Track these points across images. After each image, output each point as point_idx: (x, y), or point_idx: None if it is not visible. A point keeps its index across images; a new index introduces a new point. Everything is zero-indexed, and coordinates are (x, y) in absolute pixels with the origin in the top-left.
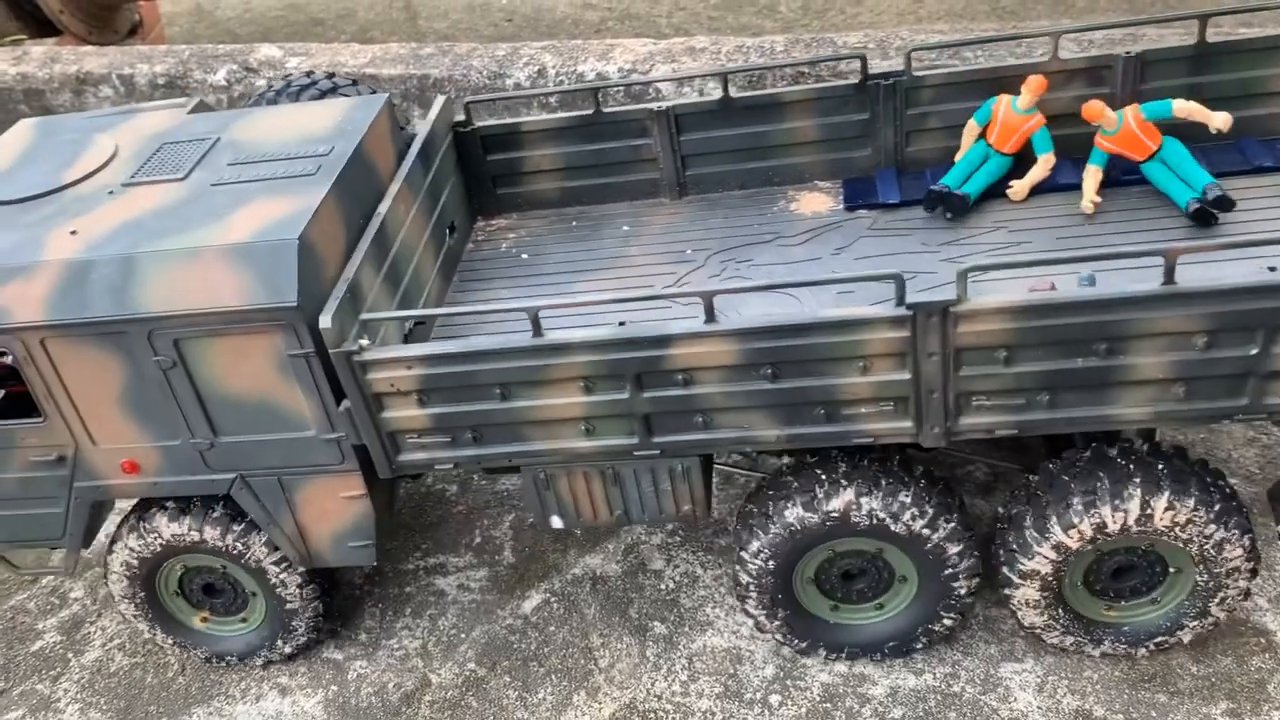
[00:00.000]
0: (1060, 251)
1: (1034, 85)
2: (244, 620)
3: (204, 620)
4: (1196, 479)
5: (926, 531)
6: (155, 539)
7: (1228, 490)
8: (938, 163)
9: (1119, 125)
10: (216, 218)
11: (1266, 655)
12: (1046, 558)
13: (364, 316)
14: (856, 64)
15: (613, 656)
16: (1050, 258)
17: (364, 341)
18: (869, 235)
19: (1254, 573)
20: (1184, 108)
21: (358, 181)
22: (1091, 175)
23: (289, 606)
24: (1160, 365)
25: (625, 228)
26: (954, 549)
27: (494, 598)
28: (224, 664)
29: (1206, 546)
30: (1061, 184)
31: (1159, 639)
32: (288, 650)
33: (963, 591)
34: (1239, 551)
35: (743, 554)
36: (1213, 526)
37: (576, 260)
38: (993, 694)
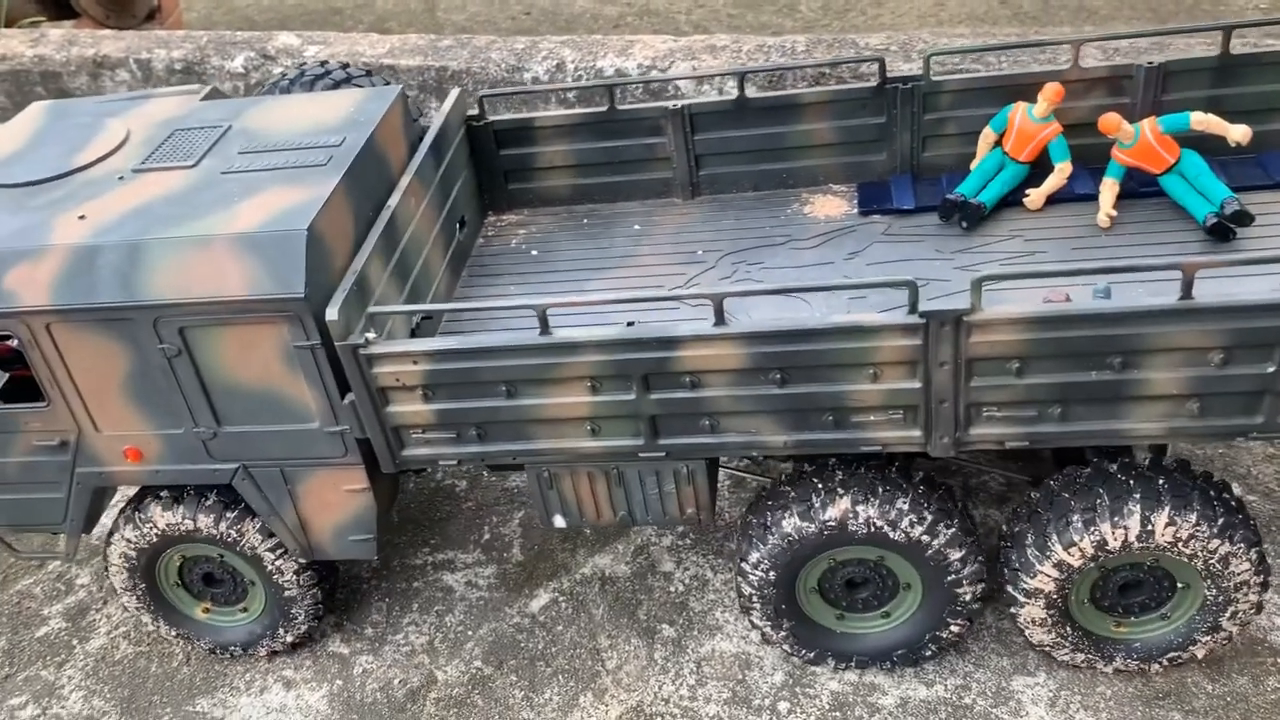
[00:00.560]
0: (1076, 262)
1: (1050, 94)
2: (245, 610)
3: (206, 611)
4: (1199, 493)
5: (926, 538)
6: (151, 529)
7: (1233, 503)
8: (953, 168)
9: (1136, 138)
10: (225, 206)
11: None
12: (1049, 576)
13: (371, 309)
14: (876, 66)
15: (620, 658)
16: (1065, 269)
17: (370, 335)
18: (882, 241)
19: (1265, 585)
20: (1202, 120)
21: (368, 173)
22: (1108, 188)
23: (287, 594)
24: (1175, 381)
25: (636, 227)
26: (956, 555)
27: (502, 595)
28: (228, 655)
29: (1212, 561)
30: (1078, 194)
31: (1171, 654)
32: (290, 639)
33: (968, 597)
34: (1246, 565)
35: (744, 565)
36: (1216, 541)
37: (586, 258)
38: (1004, 707)
